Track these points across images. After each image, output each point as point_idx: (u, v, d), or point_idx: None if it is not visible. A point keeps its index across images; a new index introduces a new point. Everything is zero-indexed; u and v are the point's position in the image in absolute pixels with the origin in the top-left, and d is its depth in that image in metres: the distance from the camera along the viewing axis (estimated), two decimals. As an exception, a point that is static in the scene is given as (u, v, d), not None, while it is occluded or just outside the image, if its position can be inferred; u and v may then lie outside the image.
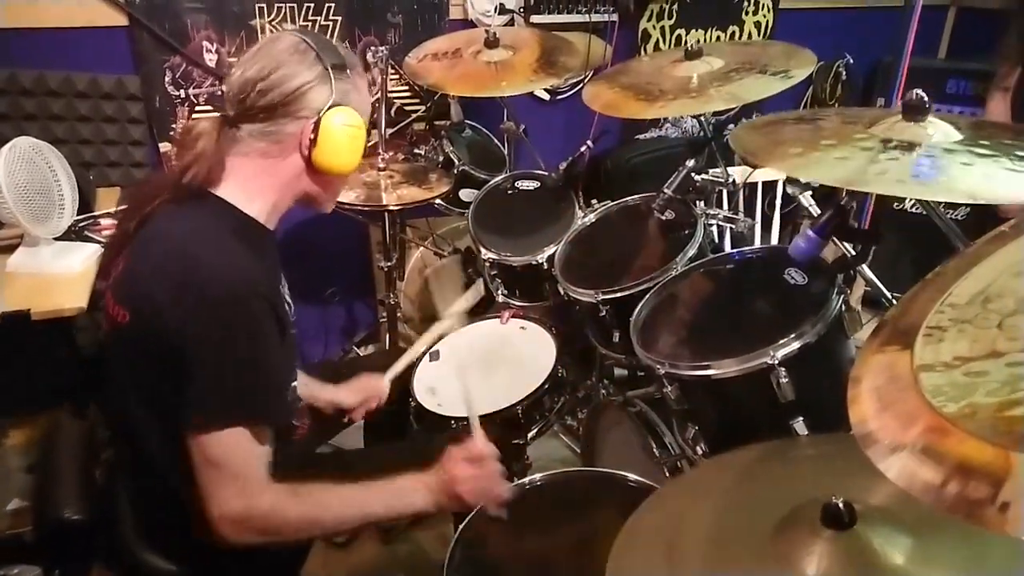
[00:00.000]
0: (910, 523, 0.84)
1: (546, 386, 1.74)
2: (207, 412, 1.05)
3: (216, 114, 1.18)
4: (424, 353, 1.82)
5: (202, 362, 1.04)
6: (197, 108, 2.37)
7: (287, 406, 1.20)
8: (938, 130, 1.11)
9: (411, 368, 1.79)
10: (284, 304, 1.19)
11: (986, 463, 0.55)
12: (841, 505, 0.83)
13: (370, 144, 2.50)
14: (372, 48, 2.33)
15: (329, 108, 1.14)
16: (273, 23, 2.35)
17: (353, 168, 1.21)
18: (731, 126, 3.22)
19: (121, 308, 1.12)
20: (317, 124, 1.13)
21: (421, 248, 2.68)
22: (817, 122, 1.24)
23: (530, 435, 1.79)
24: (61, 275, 1.78)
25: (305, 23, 2.38)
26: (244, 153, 1.16)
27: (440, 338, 1.85)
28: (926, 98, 1.10)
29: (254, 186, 1.17)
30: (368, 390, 1.62)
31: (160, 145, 2.37)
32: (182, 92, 2.34)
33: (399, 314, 2.48)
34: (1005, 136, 1.12)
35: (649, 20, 2.89)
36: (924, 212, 2.65)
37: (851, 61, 3.23)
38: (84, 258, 1.83)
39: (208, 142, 1.14)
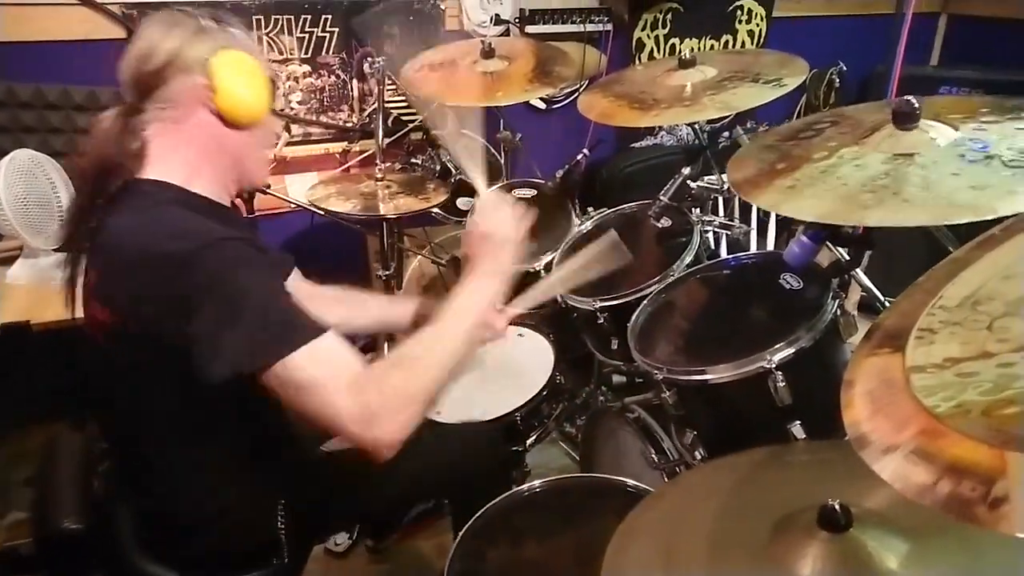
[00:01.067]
0: (906, 527, 0.84)
1: (544, 393, 1.75)
2: (262, 346, 0.99)
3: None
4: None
5: (217, 317, 0.98)
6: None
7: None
8: (938, 133, 1.12)
9: None
10: (268, 256, 1.12)
11: (978, 462, 0.55)
12: (837, 508, 0.84)
13: (364, 153, 2.53)
14: (369, 59, 2.34)
15: (214, 54, 1.12)
16: (270, 35, 2.36)
17: (264, 108, 1.19)
18: (725, 134, 3.24)
19: (103, 309, 1.10)
20: (208, 72, 1.11)
21: (419, 257, 2.69)
22: (813, 140, 1.23)
23: (529, 442, 1.79)
24: (55, 286, 1.78)
25: (302, 35, 2.39)
26: (158, 133, 1.14)
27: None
28: (916, 104, 1.11)
29: (181, 160, 1.14)
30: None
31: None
32: (179, 104, 2.35)
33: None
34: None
35: (643, 29, 2.91)
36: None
37: (844, 69, 3.25)
38: (83, 268, 1.83)
39: (111, 128, 1.12)
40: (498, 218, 1.24)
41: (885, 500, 0.89)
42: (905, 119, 1.11)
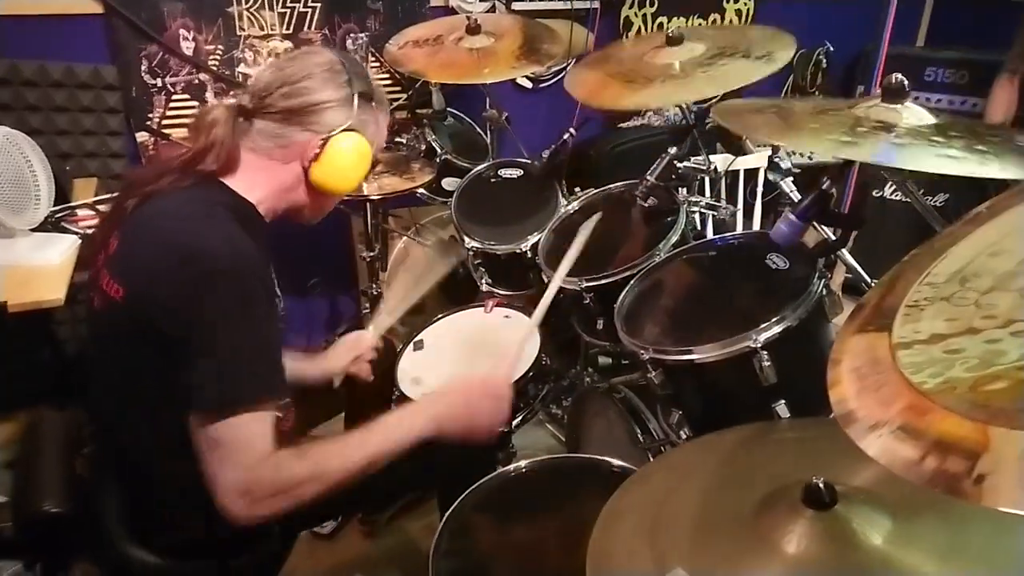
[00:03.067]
0: (890, 504, 0.85)
1: (530, 374, 1.74)
2: (210, 396, 1.03)
3: (231, 101, 1.20)
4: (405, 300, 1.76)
5: (202, 339, 1.03)
6: (174, 97, 2.33)
7: (285, 383, 1.17)
8: (913, 114, 1.12)
9: (395, 357, 1.79)
10: (275, 286, 1.19)
11: (964, 438, 0.55)
12: (822, 485, 0.84)
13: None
14: (352, 35, 2.31)
15: (342, 130, 1.17)
16: (250, 10, 2.32)
17: (347, 191, 1.26)
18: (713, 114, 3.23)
19: (116, 283, 1.11)
20: (325, 141, 1.17)
21: (404, 238, 2.67)
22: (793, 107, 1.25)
23: (515, 423, 1.79)
24: (38, 267, 1.75)
25: (283, 10, 2.35)
26: (251, 148, 1.19)
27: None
28: (905, 82, 1.11)
29: (256, 180, 1.19)
30: (354, 347, 1.61)
31: (137, 135, 2.34)
32: (159, 81, 2.31)
33: (382, 304, 2.47)
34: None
35: (631, 8, 2.89)
36: (905, 199, 2.68)
37: (831, 49, 3.25)
38: (62, 250, 1.80)
39: (224, 130, 1.16)
40: (490, 406, 1.25)
41: (869, 477, 0.89)
42: (894, 95, 1.11)
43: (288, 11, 2.36)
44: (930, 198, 2.71)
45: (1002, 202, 0.80)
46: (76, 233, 1.88)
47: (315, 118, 1.17)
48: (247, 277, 1.06)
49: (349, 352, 1.60)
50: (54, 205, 1.90)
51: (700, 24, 3.04)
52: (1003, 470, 0.52)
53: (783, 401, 1.23)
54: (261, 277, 1.09)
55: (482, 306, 1.98)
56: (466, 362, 1.83)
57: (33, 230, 1.81)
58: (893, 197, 2.90)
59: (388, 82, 2.59)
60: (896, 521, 0.84)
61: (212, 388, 1.03)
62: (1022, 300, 0.60)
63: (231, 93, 1.22)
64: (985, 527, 0.81)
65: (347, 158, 1.18)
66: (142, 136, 2.34)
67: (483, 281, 2.07)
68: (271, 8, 2.34)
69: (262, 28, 2.34)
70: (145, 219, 1.13)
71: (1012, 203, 0.78)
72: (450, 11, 2.58)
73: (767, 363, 1.20)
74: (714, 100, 3.15)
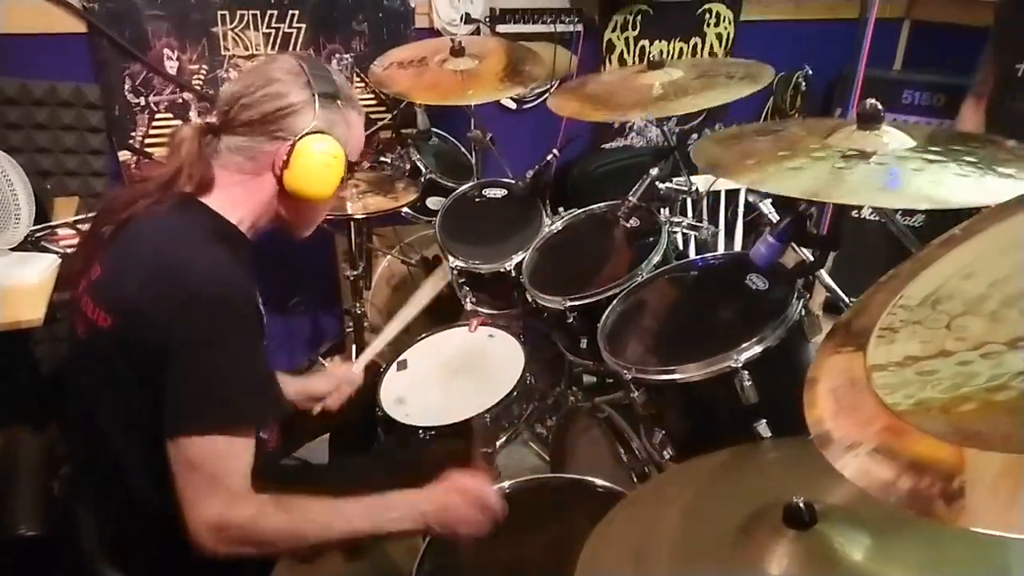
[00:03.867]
0: (870, 522, 0.86)
1: (514, 394, 1.74)
2: (190, 414, 1.02)
3: (199, 121, 1.20)
4: (392, 338, 1.81)
5: (186, 363, 1.02)
6: (157, 116, 2.33)
7: (271, 409, 1.18)
8: (893, 139, 1.15)
9: (378, 376, 1.79)
10: (261, 310, 1.18)
11: (938, 459, 0.56)
12: (802, 505, 0.85)
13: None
14: (337, 56, 2.32)
15: (308, 133, 1.14)
16: (235, 31, 2.33)
17: (325, 197, 1.21)
18: (695, 136, 3.27)
19: (102, 311, 1.09)
20: (293, 147, 1.14)
21: (388, 257, 2.67)
22: (777, 133, 1.27)
23: (499, 443, 1.79)
24: (17, 287, 1.74)
25: (268, 31, 2.36)
26: (223, 165, 1.17)
27: (406, 324, 1.82)
28: (880, 107, 1.14)
29: (234, 197, 1.17)
30: (340, 377, 1.61)
31: (119, 154, 2.33)
32: (142, 100, 2.30)
33: (366, 324, 2.47)
34: (956, 143, 1.17)
35: (613, 31, 2.92)
36: (881, 219, 2.72)
37: (810, 72, 3.30)
38: (41, 269, 1.78)
39: (190, 148, 1.14)
40: (480, 517, 1.21)
41: (849, 496, 0.90)
42: (870, 120, 1.13)
43: (273, 31, 2.37)
44: (908, 218, 2.76)
45: (975, 224, 0.81)
46: (56, 252, 1.87)
47: (279, 125, 1.14)
48: (233, 301, 1.05)
49: (333, 384, 1.60)
50: (34, 224, 1.89)
51: (681, 48, 3.09)
52: (976, 491, 0.53)
53: (764, 421, 1.24)
54: (247, 300, 1.08)
55: (466, 325, 1.98)
56: (448, 381, 1.83)
57: (12, 249, 1.80)
58: (872, 217, 2.95)
59: (373, 103, 2.60)
60: (876, 539, 0.85)
61: (193, 410, 1.02)
62: (992, 323, 0.62)
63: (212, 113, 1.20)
64: (962, 545, 0.82)
65: (317, 161, 1.15)
66: (124, 155, 2.33)
67: (467, 300, 2.07)
68: (256, 28, 2.35)
69: (247, 48, 2.35)
70: (128, 245, 1.12)
71: (984, 225, 0.80)
72: (435, 33, 2.60)
73: (748, 383, 1.21)
74: (696, 121, 3.22)
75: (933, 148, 1.13)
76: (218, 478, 1.03)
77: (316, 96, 1.15)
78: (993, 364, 0.59)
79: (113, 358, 1.08)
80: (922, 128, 1.23)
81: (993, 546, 0.79)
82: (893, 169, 1.08)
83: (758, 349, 1.21)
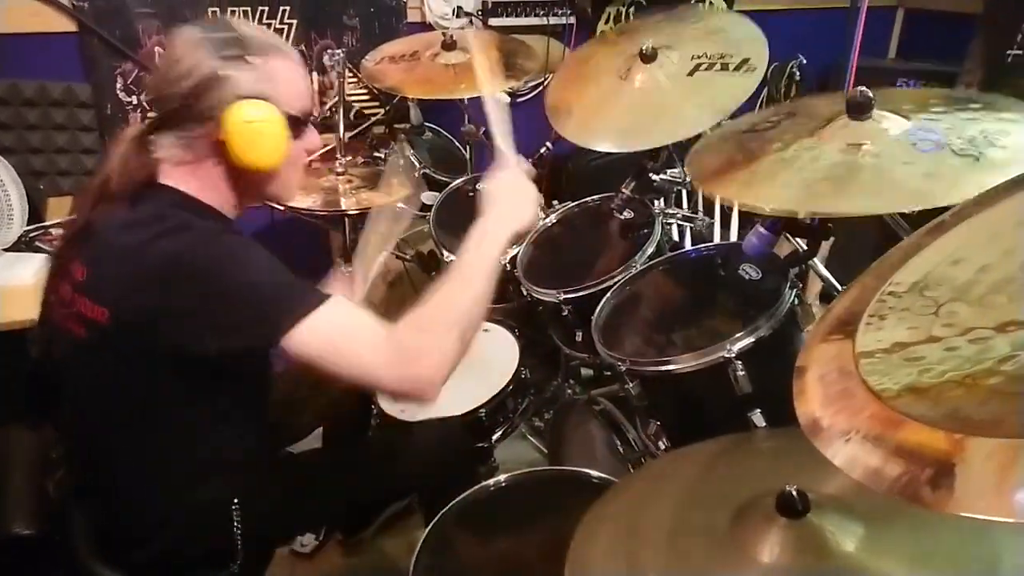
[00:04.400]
0: (862, 511, 0.86)
1: (510, 388, 1.74)
2: (283, 313, 1.01)
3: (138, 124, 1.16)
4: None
5: (233, 299, 1.01)
6: (149, 114, 2.32)
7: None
8: (890, 123, 1.14)
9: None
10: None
11: (927, 445, 0.56)
12: (795, 493, 0.85)
13: (326, 147, 2.50)
14: (329, 51, 2.31)
15: (229, 107, 1.06)
16: (228, 28, 2.32)
17: (277, 161, 1.13)
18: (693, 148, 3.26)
19: (98, 307, 1.07)
20: (220, 125, 1.07)
21: (384, 252, 2.66)
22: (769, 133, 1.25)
23: (495, 438, 1.79)
24: (12, 287, 1.74)
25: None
26: (168, 160, 1.12)
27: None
28: (870, 95, 1.13)
29: (192, 187, 1.13)
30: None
31: (112, 152, 2.32)
32: (134, 98, 2.29)
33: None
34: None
35: (606, 23, 2.91)
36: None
37: (804, 62, 3.29)
38: (36, 269, 1.78)
39: (124, 151, 1.11)
40: (528, 196, 1.24)
41: (843, 485, 0.90)
42: (859, 109, 1.13)
43: (264, 28, 2.36)
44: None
45: (964, 210, 0.81)
46: (50, 252, 1.87)
47: (199, 105, 1.06)
48: (210, 242, 1.04)
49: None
50: (28, 224, 1.88)
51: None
52: (966, 476, 0.53)
53: (758, 410, 1.24)
54: (218, 232, 1.07)
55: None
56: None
57: (6, 249, 1.80)
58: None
59: (366, 98, 2.59)
60: (868, 528, 0.85)
61: (279, 308, 1.01)
62: (980, 309, 0.62)
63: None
64: (954, 534, 0.82)
65: (252, 129, 1.07)
66: (117, 153, 2.33)
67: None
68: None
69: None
70: (105, 242, 1.09)
71: (973, 211, 0.80)
72: (427, 27, 2.59)
73: (741, 373, 1.21)
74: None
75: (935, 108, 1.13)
76: (360, 329, 1.04)
77: (224, 61, 1.06)
78: (981, 349, 0.59)
79: (117, 352, 1.07)
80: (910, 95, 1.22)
81: (984, 535, 0.79)
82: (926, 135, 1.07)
83: (751, 339, 1.21)
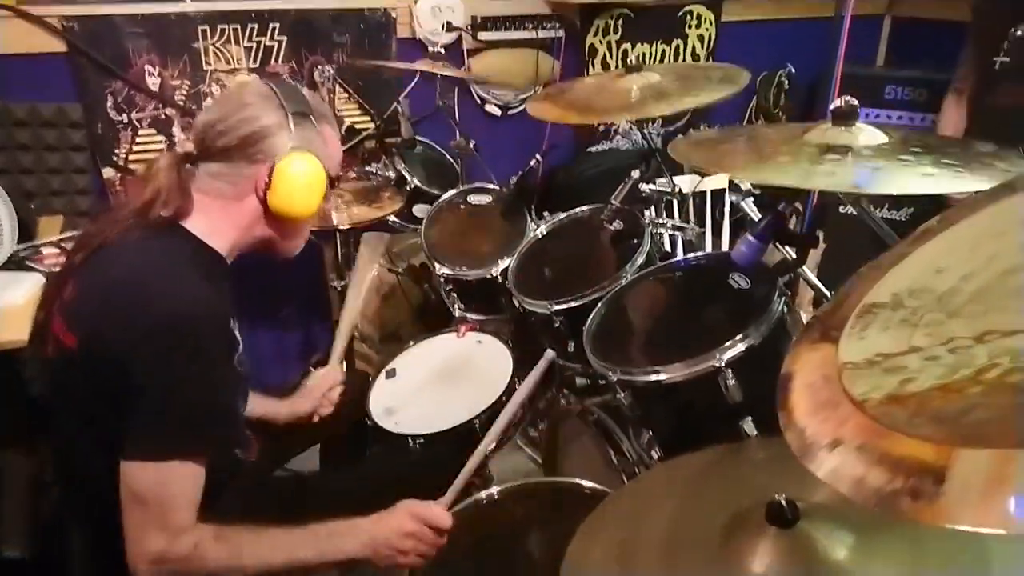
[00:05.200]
0: (853, 520, 0.86)
1: (504, 399, 1.74)
2: (142, 442, 1.03)
3: (177, 149, 1.18)
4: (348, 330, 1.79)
5: (145, 389, 1.02)
6: (140, 132, 2.33)
7: (229, 439, 1.18)
8: (867, 136, 1.15)
9: (367, 388, 1.78)
10: (235, 336, 1.17)
11: (912, 457, 0.56)
12: (784, 503, 0.85)
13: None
14: (319, 67, 2.32)
15: (286, 154, 1.15)
16: (216, 45, 2.33)
17: (310, 214, 1.22)
18: (679, 137, 3.28)
19: (70, 332, 1.09)
20: (272, 168, 1.15)
21: (376, 266, 2.67)
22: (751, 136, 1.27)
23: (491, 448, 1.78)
24: (3, 307, 1.73)
25: (249, 44, 2.36)
26: (203, 191, 1.17)
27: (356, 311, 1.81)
28: (855, 104, 1.14)
29: (216, 222, 1.17)
30: (320, 386, 1.61)
31: (103, 171, 2.33)
32: (125, 117, 2.30)
33: (356, 333, 2.46)
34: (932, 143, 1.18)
35: (595, 35, 2.94)
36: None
37: (793, 71, 3.32)
38: (27, 288, 1.78)
39: (168, 176, 1.14)
40: (437, 542, 1.22)
41: (833, 493, 0.89)
42: (844, 117, 1.14)
43: (254, 45, 2.37)
44: (895, 212, 2.77)
45: (952, 215, 0.82)
46: (40, 271, 1.87)
47: (256, 148, 1.15)
48: (196, 329, 1.05)
49: (315, 397, 1.60)
50: (19, 243, 1.88)
51: (664, 50, 3.10)
52: (950, 487, 0.53)
53: (749, 418, 1.24)
54: (214, 327, 1.08)
55: (454, 331, 1.98)
56: (437, 387, 1.82)
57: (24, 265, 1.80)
58: (857, 214, 2.95)
59: (357, 113, 2.60)
60: (859, 536, 0.85)
61: (149, 434, 1.03)
62: (961, 318, 0.62)
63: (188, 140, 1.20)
64: (945, 541, 0.82)
65: (299, 180, 1.16)
66: (108, 172, 2.33)
67: (455, 307, 2.07)
68: (237, 43, 2.35)
69: (228, 62, 2.35)
70: (100, 269, 1.11)
71: (958, 218, 0.80)
72: (417, 43, 2.61)
73: (732, 381, 1.21)
74: (680, 123, 3.23)
75: (913, 148, 1.14)
76: (163, 512, 1.03)
77: (290, 116, 1.16)
78: (961, 359, 0.59)
79: (81, 380, 1.08)
80: (898, 130, 1.23)
81: (974, 544, 0.79)
82: (861, 173, 1.09)
83: (741, 348, 1.22)
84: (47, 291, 1.18)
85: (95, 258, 1.13)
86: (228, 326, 1.14)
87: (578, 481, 1.36)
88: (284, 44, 2.41)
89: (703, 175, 2.02)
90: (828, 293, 1.43)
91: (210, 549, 1.06)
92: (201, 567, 1.06)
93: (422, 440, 1.65)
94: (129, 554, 1.03)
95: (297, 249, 1.31)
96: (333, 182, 1.25)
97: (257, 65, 2.39)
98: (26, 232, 1.94)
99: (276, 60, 2.41)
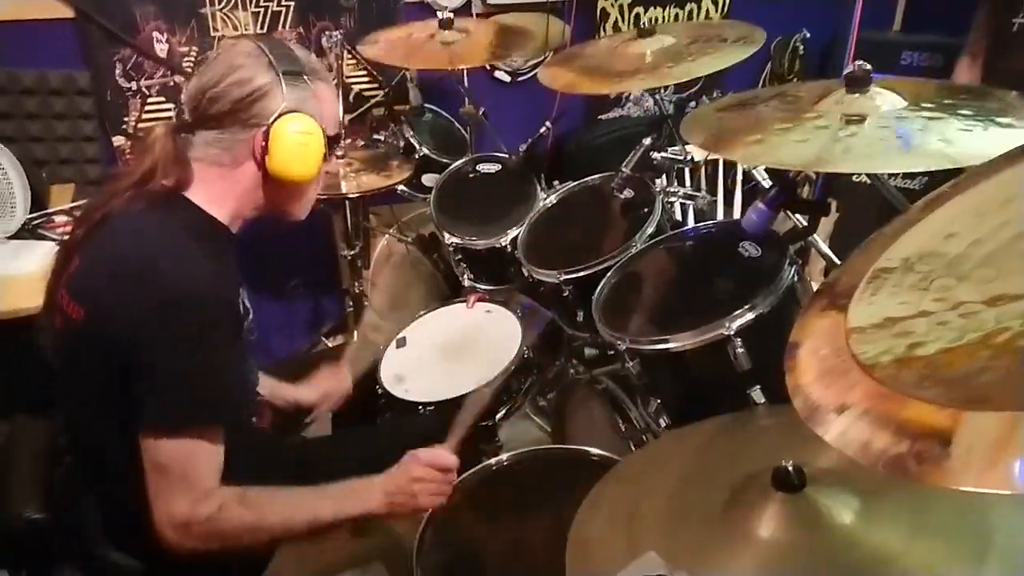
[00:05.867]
0: (858, 484, 0.87)
1: (512, 368, 1.75)
2: (159, 416, 1.04)
3: (172, 118, 1.17)
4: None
5: (155, 364, 1.03)
6: (149, 100, 2.32)
7: (242, 409, 1.19)
8: (884, 100, 1.13)
9: (378, 355, 1.79)
10: (242, 306, 1.18)
11: (920, 421, 0.56)
12: (791, 468, 0.85)
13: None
14: (327, 33, 2.30)
15: (281, 115, 1.12)
16: (223, 11, 2.31)
17: (311, 176, 1.19)
18: (692, 104, 3.24)
19: (76, 305, 1.10)
20: (268, 131, 1.12)
21: (386, 236, 2.67)
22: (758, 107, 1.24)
23: (499, 417, 1.80)
24: (16, 275, 1.75)
25: (257, 9, 2.34)
26: (200, 159, 1.15)
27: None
28: (869, 69, 1.12)
29: (217, 191, 1.16)
30: (328, 385, 1.59)
31: (113, 139, 2.33)
32: (133, 84, 2.29)
33: (366, 303, 2.48)
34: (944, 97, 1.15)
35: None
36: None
37: (808, 36, 3.25)
38: (40, 256, 1.79)
39: (164, 146, 1.13)
40: (448, 480, 1.24)
41: (839, 458, 0.90)
42: (858, 83, 1.12)
43: (261, 10, 2.34)
44: (909, 181, 2.73)
45: (964, 182, 0.81)
46: (53, 239, 1.88)
47: (250, 111, 1.12)
48: (205, 302, 1.05)
49: (320, 394, 1.58)
50: (32, 212, 1.89)
51: (677, 14, 3.04)
52: (957, 450, 0.53)
53: (758, 387, 1.24)
54: (221, 300, 1.08)
55: (464, 301, 1.98)
56: (447, 357, 1.83)
57: (10, 238, 1.81)
58: (869, 181, 2.92)
59: (366, 80, 2.58)
60: (864, 500, 0.85)
61: (164, 409, 1.04)
62: (970, 283, 0.61)
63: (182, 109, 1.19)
64: (950, 504, 0.82)
65: (295, 140, 1.13)
66: (118, 140, 2.33)
67: (465, 276, 2.08)
68: (244, 8, 2.32)
69: (236, 28, 2.33)
70: (106, 241, 1.11)
71: (968, 185, 0.79)
72: (425, 7, 2.57)
73: (740, 350, 1.21)
74: (694, 89, 3.18)
75: (926, 104, 1.12)
76: (187, 478, 1.05)
77: (281, 76, 1.13)
78: (971, 323, 0.59)
79: (88, 352, 1.09)
80: (911, 85, 1.20)
81: (979, 507, 0.80)
82: (900, 130, 1.06)
83: (750, 316, 1.22)
84: (55, 264, 1.19)
85: (99, 231, 1.12)
86: (235, 299, 1.14)
87: (586, 448, 1.37)
88: (291, 9, 2.38)
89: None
90: (839, 262, 1.42)
91: (234, 511, 1.07)
92: (227, 529, 1.07)
93: (432, 407, 1.66)
94: (155, 520, 1.05)
95: (304, 212, 1.29)
96: (333, 141, 1.23)
97: (264, 30, 2.37)
98: (38, 201, 1.95)
99: (283, 26, 2.39)
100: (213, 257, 1.11)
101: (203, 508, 1.05)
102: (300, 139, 1.13)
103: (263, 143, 1.12)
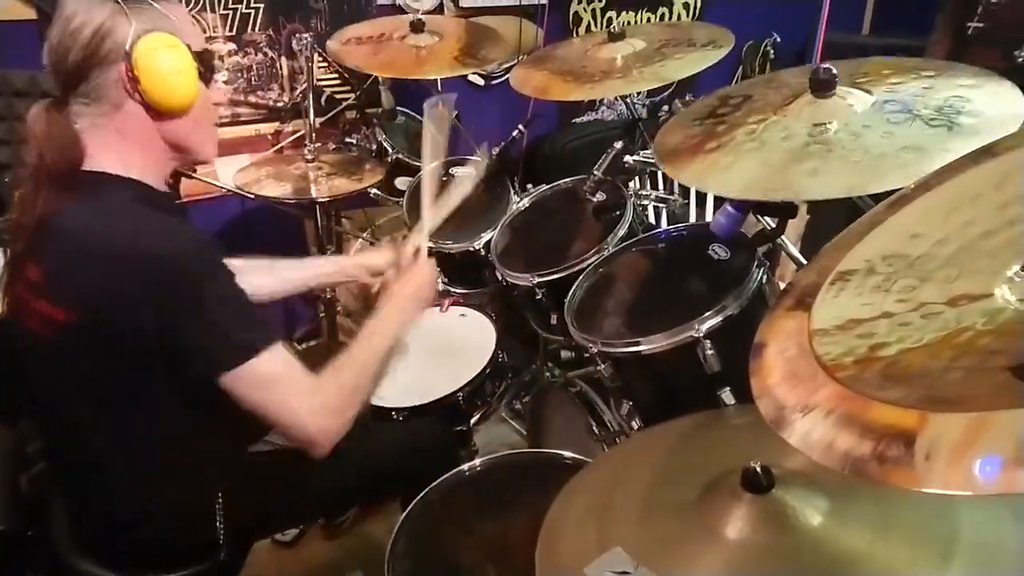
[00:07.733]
0: (826, 486, 0.87)
1: (487, 371, 1.74)
2: (234, 347, 1.06)
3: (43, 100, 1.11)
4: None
5: (194, 321, 1.04)
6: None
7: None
8: (854, 99, 1.13)
9: None
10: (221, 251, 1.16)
11: (882, 421, 0.57)
12: (759, 469, 0.86)
13: (297, 133, 2.47)
14: (297, 35, 2.28)
15: (135, 41, 1.05)
16: (191, 13, 2.28)
17: (191, 95, 1.12)
18: (665, 108, 3.26)
19: (61, 308, 1.06)
20: (129, 60, 1.05)
21: (359, 240, 2.65)
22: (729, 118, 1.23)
23: (473, 421, 1.79)
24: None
25: (225, 12, 2.31)
26: (88, 128, 1.10)
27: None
28: (834, 71, 1.13)
29: (117, 151, 1.11)
30: (396, 255, 1.52)
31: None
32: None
33: (339, 308, 2.45)
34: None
35: (579, 3, 2.90)
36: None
37: (778, 40, 3.30)
38: (3, 261, 1.75)
39: (40, 126, 1.08)
40: (427, 287, 1.39)
41: (807, 461, 0.91)
42: (822, 87, 1.13)
43: (230, 12, 2.32)
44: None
45: (929, 181, 0.81)
46: (6, 249, 1.83)
47: (103, 48, 1.05)
48: (195, 254, 1.06)
49: (389, 258, 1.54)
50: (-3, 217, 1.85)
51: (649, 18, 3.06)
52: (920, 451, 0.54)
53: (728, 388, 1.25)
54: (212, 243, 1.09)
55: (438, 305, 1.97)
56: (421, 361, 1.82)
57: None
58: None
59: (337, 82, 2.56)
60: (832, 501, 0.86)
61: (231, 344, 1.06)
62: (933, 284, 0.62)
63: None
64: (916, 505, 0.83)
65: (160, 59, 1.06)
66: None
67: (439, 281, 2.06)
68: (212, 10, 2.30)
69: (205, 30, 2.30)
70: (65, 241, 1.07)
71: (932, 184, 0.80)
72: (397, 9, 2.56)
73: (710, 351, 1.22)
74: (666, 92, 3.21)
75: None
76: (294, 377, 1.11)
77: (123, 3, 1.06)
78: (933, 324, 0.59)
79: (86, 352, 1.06)
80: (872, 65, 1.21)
81: (945, 509, 0.81)
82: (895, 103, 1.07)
83: (719, 318, 1.22)
84: (7, 278, 1.14)
85: (45, 236, 1.08)
86: (213, 243, 1.11)
87: (560, 452, 1.37)
88: (261, 11, 2.36)
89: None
90: (805, 262, 1.43)
91: (342, 377, 1.17)
92: (349, 395, 1.16)
93: (406, 413, 1.65)
94: (297, 432, 1.12)
95: (212, 149, 1.23)
96: (207, 62, 1.16)
97: (233, 33, 2.34)
98: (2, 205, 1.91)
99: (253, 28, 2.36)
100: (170, 216, 1.12)
101: (325, 389, 1.13)
102: (164, 56, 1.07)
103: (129, 74, 1.06)
